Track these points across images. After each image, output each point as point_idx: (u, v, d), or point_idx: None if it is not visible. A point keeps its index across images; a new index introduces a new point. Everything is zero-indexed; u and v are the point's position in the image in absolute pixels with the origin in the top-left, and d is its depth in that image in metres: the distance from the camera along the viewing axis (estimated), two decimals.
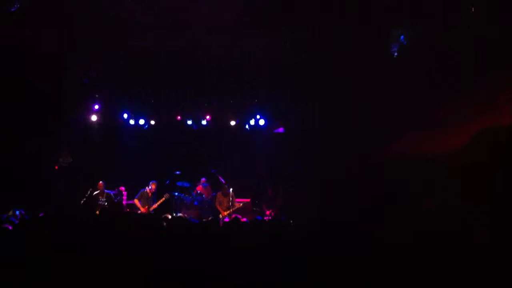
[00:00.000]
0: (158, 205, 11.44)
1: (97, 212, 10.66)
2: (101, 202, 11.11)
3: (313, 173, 11.35)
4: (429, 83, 8.79)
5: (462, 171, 7.64)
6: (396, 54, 9.20)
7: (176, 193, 12.00)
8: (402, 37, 9.13)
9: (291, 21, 9.49)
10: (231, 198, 11.61)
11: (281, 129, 13.45)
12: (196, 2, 9.36)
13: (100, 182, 11.34)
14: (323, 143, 11.14)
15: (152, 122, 13.73)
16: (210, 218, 6.83)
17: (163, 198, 11.43)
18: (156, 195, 11.63)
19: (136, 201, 11.45)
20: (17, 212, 9.16)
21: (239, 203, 11.73)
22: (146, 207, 11.29)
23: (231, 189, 11.65)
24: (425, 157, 8.32)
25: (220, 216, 11.35)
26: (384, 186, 8.92)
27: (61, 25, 9.62)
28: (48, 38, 9.91)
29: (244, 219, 6.91)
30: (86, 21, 9.55)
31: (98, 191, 11.23)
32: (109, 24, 9.67)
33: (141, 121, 13.66)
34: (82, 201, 11.12)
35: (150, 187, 11.59)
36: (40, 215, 7.30)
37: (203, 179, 12.52)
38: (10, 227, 6.66)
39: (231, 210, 11.40)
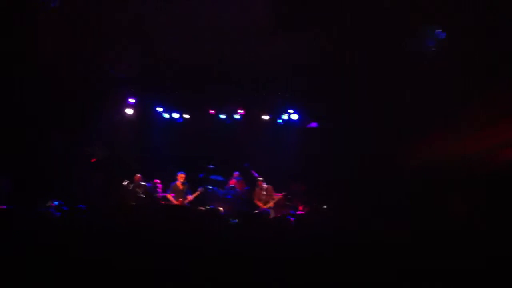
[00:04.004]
0: (194, 198, 11.46)
1: (133, 203, 10.96)
2: (138, 194, 11.28)
3: (345, 171, 11.30)
4: (458, 83, 8.63)
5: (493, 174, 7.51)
6: (433, 49, 9.03)
7: (210, 187, 12.09)
8: (436, 33, 8.94)
9: (318, 21, 9.48)
10: (264, 192, 11.66)
11: (314, 124, 13.38)
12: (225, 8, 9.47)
13: (138, 174, 11.51)
14: (354, 140, 11.10)
15: (186, 116, 13.89)
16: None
17: (198, 192, 11.50)
18: (190, 188, 11.70)
19: (169, 196, 11.50)
20: (56, 203, 9.45)
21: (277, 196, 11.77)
22: (180, 199, 11.38)
23: (264, 184, 11.71)
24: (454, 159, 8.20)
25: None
26: (414, 187, 8.84)
27: (91, 25, 9.85)
28: (79, 36, 10.14)
29: None
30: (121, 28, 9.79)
31: (135, 184, 11.41)
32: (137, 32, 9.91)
33: (175, 115, 13.84)
34: (118, 193, 11.34)
35: (178, 179, 11.61)
36: (80, 206, 7.55)
37: (236, 173, 12.58)
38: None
39: (270, 203, 11.48)
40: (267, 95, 13.26)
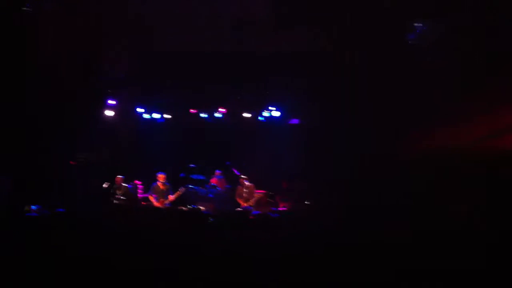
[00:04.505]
0: (175, 198, 11.41)
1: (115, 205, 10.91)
2: (118, 196, 11.23)
3: (327, 168, 11.33)
4: (451, 76, 8.68)
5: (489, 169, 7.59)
6: (413, 43, 9.09)
7: (191, 186, 12.09)
8: (421, 28, 9.02)
9: (308, 18, 9.49)
10: (246, 190, 11.72)
11: (295, 120, 13.43)
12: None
13: (119, 176, 11.46)
14: (338, 137, 11.12)
15: (167, 116, 13.85)
16: None
17: (179, 192, 11.46)
18: (172, 188, 11.66)
19: (150, 197, 11.44)
20: (34, 207, 9.36)
21: (259, 193, 11.80)
22: (162, 200, 11.35)
23: (246, 182, 11.77)
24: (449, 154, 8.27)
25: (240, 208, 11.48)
26: (404, 185, 8.89)
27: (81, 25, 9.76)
28: (68, 36, 10.03)
29: None
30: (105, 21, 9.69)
31: (116, 186, 11.36)
32: (128, 25, 9.79)
33: (156, 115, 13.79)
34: (101, 196, 11.26)
35: (158, 180, 11.56)
36: (59, 210, 7.51)
37: (218, 172, 12.59)
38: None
39: (251, 201, 11.53)
40: (248, 92, 13.27)
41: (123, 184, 11.48)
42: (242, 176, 11.99)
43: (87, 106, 12.34)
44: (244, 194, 11.74)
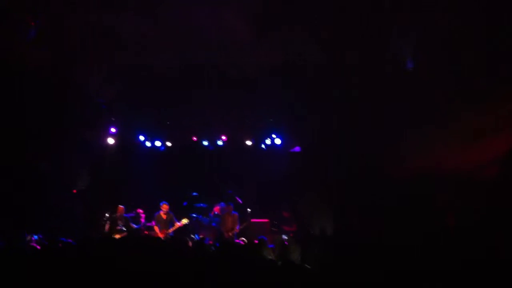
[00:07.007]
0: (176, 229, 11.22)
1: (116, 236, 10.66)
2: (119, 227, 11.03)
3: (332, 193, 11.20)
4: (449, 92, 8.58)
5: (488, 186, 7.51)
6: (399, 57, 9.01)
7: (194, 215, 11.92)
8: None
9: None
10: (232, 219, 11.59)
11: (297, 148, 13.34)
12: (205, 21, 9.35)
13: (121, 206, 11.31)
14: (340, 160, 11.00)
15: (169, 144, 13.77)
16: None
17: (182, 223, 11.28)
18: (175, 217, 11.48)
19: (155, 228, 11.30)
20: (35, 237, 9.15)
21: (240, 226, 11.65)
22: (164, 230, 11.15)
23: (233, 211, 11.71)
24: (449, 172, 8.18)
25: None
26: (406, 203, 8.78)
27: (74, 49, 9.73)
28: (61, 61, 9.99)
29: None
30: (99, 44, 9.65)
31: (117, 216, 11.18)
32: (121, 47, 9.74)
33: (158, 143, 13.71)
34: (104, 227, 11.09)
35: (161, 210, 11.42)
36: (61, 240, 7.31)
37: (222, 204, 12.45)
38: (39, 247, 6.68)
39: (233, 232, 11.38)
40: (250, 119, 13.20)
41: (124, 215, 11.31)
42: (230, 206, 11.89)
43: (86, 133, 12.31)
44: (228, 223, 11.57)
